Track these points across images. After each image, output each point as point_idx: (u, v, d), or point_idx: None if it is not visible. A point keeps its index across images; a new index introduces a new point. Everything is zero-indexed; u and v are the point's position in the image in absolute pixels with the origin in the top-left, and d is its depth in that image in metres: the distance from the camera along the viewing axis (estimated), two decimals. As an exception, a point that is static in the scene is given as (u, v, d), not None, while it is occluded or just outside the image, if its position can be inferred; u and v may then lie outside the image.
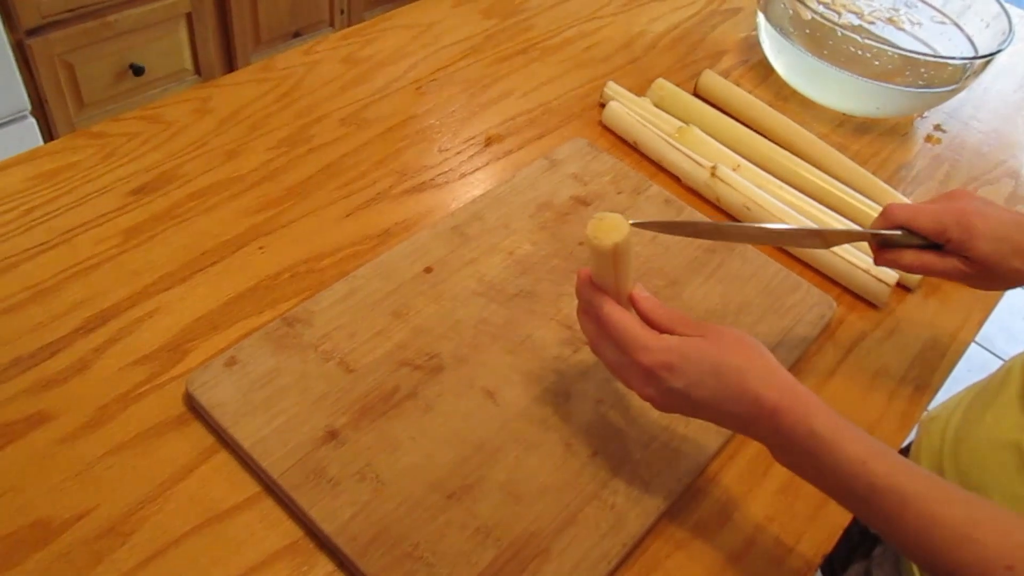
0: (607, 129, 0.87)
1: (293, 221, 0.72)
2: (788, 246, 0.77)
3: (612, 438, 0.59)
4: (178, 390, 0.58)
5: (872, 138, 0.93)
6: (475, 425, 0.58)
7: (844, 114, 0.95)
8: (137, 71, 1.74)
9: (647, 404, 0.52)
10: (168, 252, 0.67)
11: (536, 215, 0.74)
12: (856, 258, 0.73)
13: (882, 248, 0.60)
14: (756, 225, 0.62)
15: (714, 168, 0.79)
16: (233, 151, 0.76)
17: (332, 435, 0.56)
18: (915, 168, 0.90)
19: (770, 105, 0.90)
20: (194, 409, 0.57)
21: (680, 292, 0.70)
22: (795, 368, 0.67)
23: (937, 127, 0.96)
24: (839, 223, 0.78)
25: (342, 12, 2.03)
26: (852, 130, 0.94)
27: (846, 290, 0.75)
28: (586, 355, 0.64)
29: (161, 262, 0.66)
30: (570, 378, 0.62)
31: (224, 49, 1.90)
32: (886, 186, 0.82)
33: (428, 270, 0.67)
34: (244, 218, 0.71)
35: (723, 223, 0.67)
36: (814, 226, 0.75)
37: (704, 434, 0.60)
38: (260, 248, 0.69)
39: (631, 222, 0.50)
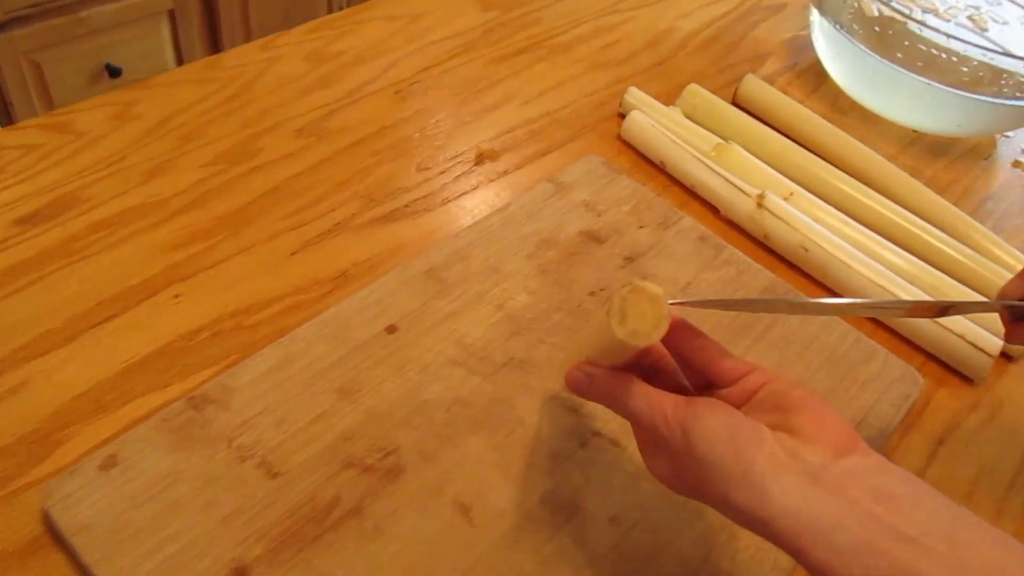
0: (627, 145, 0.71)
1: (223, 260, 0.56)
2: (881, 317, 0.60)
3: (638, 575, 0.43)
4: (36, 502, 0.42)
5: (948, 162, 0.77)
6: (441, 557, 0.42)
7: (915, 132, 0.78)
8: (113, 72, 1.59)
9: (681, 521, 0.37)
10: (54, 302, 0.51)
11: (536, 255, 0.58)
12: (947, 319, 0.57)
13: (1019, 321, 0.44)
14: (843, 301, 0.45)
15: (761, 196, 0.63)
16: (156, 169, 0.61)
17: (240, 574, 0.40)
18: (1004, 200, 0.73)
19: (824, 119, 0.74)
20: (54, 532, 0.41)
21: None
22: (873, 467, 0.51)
23: (1027, 149, 0.79)
24: (923, 273, 0.61)
25: (341, 8, 1.89)
26: (924, 151, 0.77)
27: (931, 357, 0.59)
28: (599, 451, 0.47)
29: (42, 315, 0.50)
30: (577, 484, 0.46)
31: (211, 49, 1.75)
32: (979, 225, 0.66)
33: (391, 329, 0.51)
34: (159, 256, 0.55)
35: (800, 300, 0.51)
36: (920, 295, 0.59)
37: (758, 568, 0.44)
38: (176, 296, 0.53)
39: (671, 302, 0.34)
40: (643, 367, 0.42)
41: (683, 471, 0.35)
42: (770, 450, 0.33)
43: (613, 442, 0.48)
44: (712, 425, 0.34)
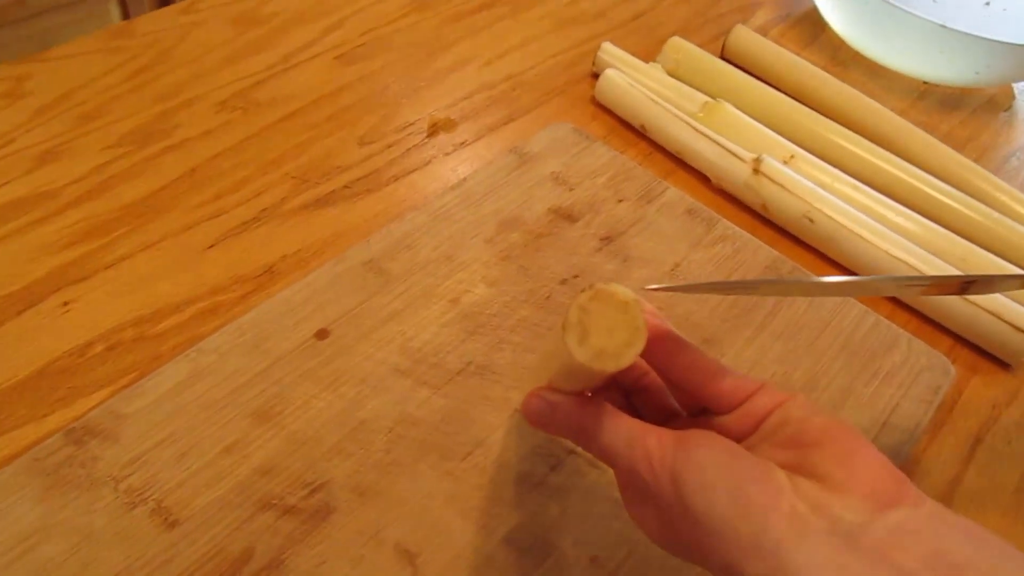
0: (603, 109, 0.62)
1: (124, 258, 0.47)
2: (898, 295, 0.52)
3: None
4: None
5: (964, 116, 0.68)
6: (380, 620, 0.34)
7: (926, 84, 0.70)
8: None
9: (678, 560, 0.29)
10: (-88, 315, 0.43)
11: (497, 239, 0.49)
12: (977, 296, 0.49)
13: None
14: (854, 279, 0.36)
15: (758, 161, 0.54)
16: (48, 153, 0.52)
17: (121, 657, 0.32)
18: (1030, 155, 0.65)
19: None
20: None
21: (718, 356, 0.45)
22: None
23: (1052, 98, 0.71)
24: (946, 241, 0.53)
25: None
26: (936, 106, 0.69)
27: (960, 340, 0.50)
28: (576, 474, 0.39)
29: (-103, 332, 0.42)
30: (550, 518, 0.37)
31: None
32: (1005, 184, 0.58)
33: (322, 334, 0.43)
34: (46, 256, 0.46)
35: (803, 280, 0.42)
36: (944, 267, 0.50)
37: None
38: (64, 304, 0.44)
39: (650, 288, 0.26)
40: (622, 386, 0.33)
41: (675, 528, 0.27)
42: (789, 505, 0.24)
43: (593, 463, 0.40)
44: (710, 471, 0.25)
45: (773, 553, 0.23)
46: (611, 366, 0.25)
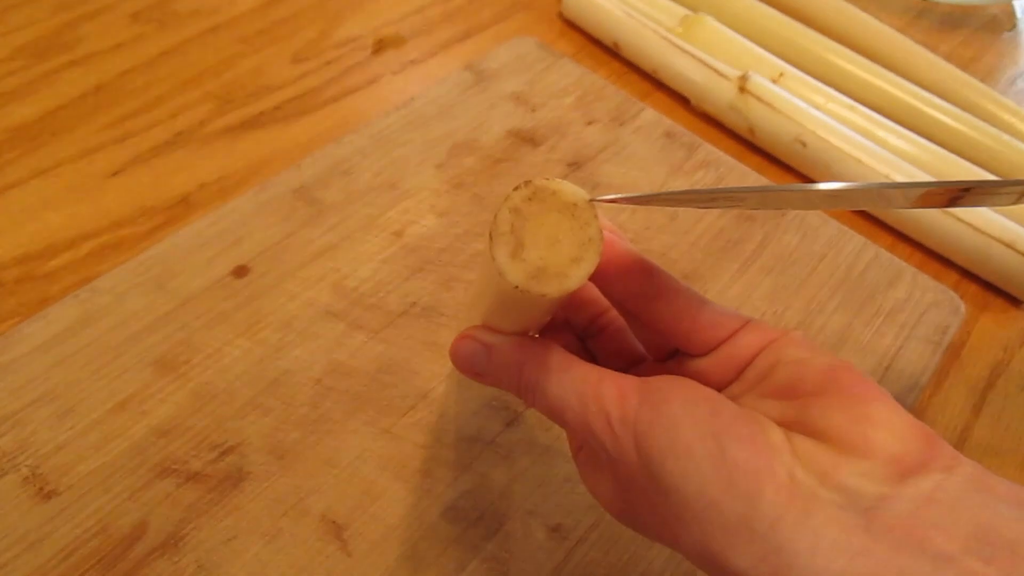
0: (570, 25, 0.56)
1: (12, 186, 0.40)
2: (883, 209, 0.46)
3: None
4: None
5: (966, 36, 0.62)
6: (299, 605, 0.28)
7: (924, 0, 0.64)
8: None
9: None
10: None
11: (448, 164, 0.43)
12: (987, 222, 0.43)
13: None
14: (834, 186, 0.30)
15: (744, 79, 0.48)
16: (-76, 66, 0.45)
17: (-25, 658, 0.26)
18: (1037, 76, 0.59)
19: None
20: None
21: (701, 292, 0.39)
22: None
23: (1060, 17, 0.65)
24: (950, 165, 0.48)
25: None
26: (936, 25, 0.63)
27: (967, 275, 0.45)
28: (534, 430, 0.34)
29: None
30: (502, 483, 0.32)
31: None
32: (1013, 103, 0.52)
33: (240, 272, 0.37)
34: (-85, 183, 0.39)
35: (772, 187, 0.36)
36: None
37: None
38: (-66, 238, 0.38)
39: (600, 198, 0.20)
40: (575, 327, 0.27)
41: (639, 503, 0.21)
42: (786, 471, 0.19)
43: (554, 415, 0.34)
44: (685, 429, 0.19)
45: (767, 535, 0.18)
46: (554, 289, 0.19)
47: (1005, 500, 0.18)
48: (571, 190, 0.19)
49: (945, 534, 0.18)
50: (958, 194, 0.27)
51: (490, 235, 0.19)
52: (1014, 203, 0.28)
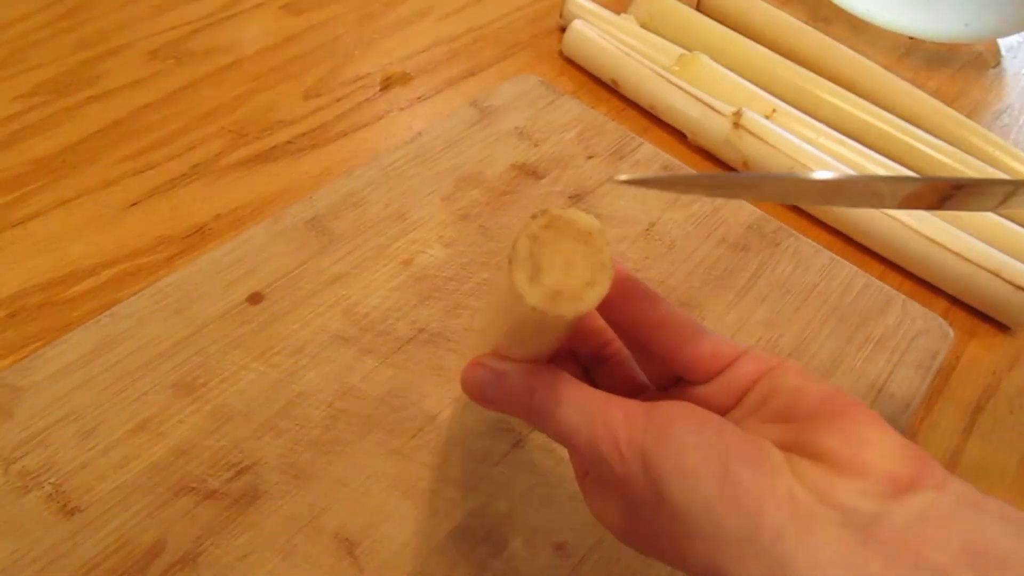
0: (571, 63, 0.58)
1: (34, 216, 0.42)
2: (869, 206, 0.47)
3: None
4: None
5: (952, 72, 0.65)
6: (313, 619, 0.29)
7: (911, 39, 0.66)
8: None
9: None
10: None
11: (454, 196, 0.45)
12: (974, 251, 0.45)
13: None
14: (828, 176, 0.31)
15: (738, 115, 0.50)
16: (-49, 102, 0.46)
17: (2, 669, 0.27)
18: (1023, 112, 0.61)
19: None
20: None
21: (699, 319, 0.41)
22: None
23: (1043, 54, 0.68)
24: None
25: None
26: (923, 62, 0.65)
27: (956, 302, 0.47)
28: (539, 452, 0.35)
29: None
30: (509, 502, 0.33)
31: None
32: (999, 139, 0.54)
33: (255, 299, 0.38)
34: (-58, 214, 0.41)
35: (772, 175, 0.36)
36: (938, 222, 0.46)
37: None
38: (-40, 266, 0.39)
39: (618, 179, 0.22)
40: (581, 358, 0.28)
41: (645, 523, 0.22)
42: (786, 490, 0.20)
43: (558, 437, 0.35)
44: (691, 450, 0.21)
45: (770, 551, 0.19)
46: (570, 311, 0.20)
47: (993, 516, 0.20)
48: (585, 219, 0.21)
49: (937, 548, 0.19)
50: (948, 192, 0.29)
51: (509, 260, 0.20)
52: (999, 204, 0.29)
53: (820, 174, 0.23)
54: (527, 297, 0.20)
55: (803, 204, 0.49)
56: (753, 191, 0.29)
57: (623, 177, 0.22)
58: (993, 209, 0.29)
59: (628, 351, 0.27)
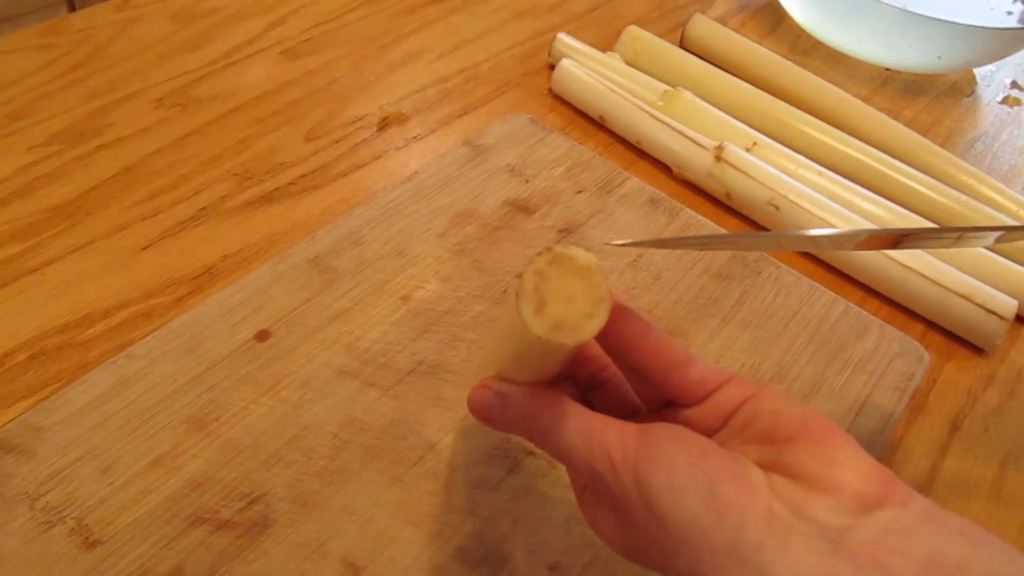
0: (560, 100, 0.60)
1: (51, 261, 0.44)
2: (834, 251, 0.50)
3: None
4: None
5: (927, 102, 0.67)
6: (323, 641, 0.31)
7: (887, 70, 0.69)
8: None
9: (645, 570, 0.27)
10: None
11: (450, 233, 0.47)
12: (948, 277, 0.47)
13: None
14: (787, 234, 0.33)
15: (720, 149, 0.52)
16: (-30, 153, 0.49)
17: None
18: (995, 140, 0.64)
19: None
20: None
21: (685, 346, 0.43)
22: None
23: (1015, 84, 0.70)
24: (916, 223, 0.52)
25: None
26: (899, 92, 0.67)
27: (932, 326, 0.49)
28: (534, 476, 0.37)
29: None
30: (506, 524, 0.35)
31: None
32: (973, 168, 0.56)
33: (262, 336, 0.40)
34: (-36, 261, 0.43)
35: (752, 234, 0.39)
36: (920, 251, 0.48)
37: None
38: (-18, 311, 0.41)
39: (612, 243, 0.24)
40: (578, 382, 0.31)
41: (638, 535, 0.24)
42: (765, 506, 0.22)
43: (554, 463, 0.37)
44: (678, 468, 0.23)
45: (751, 560, 0.21)
46: (571, 340, 0.22)
47: (952, 531, 0.22)
48: (585, 256, 0.23)
49: (901, 558, 0.21)
50: (898, 238, 0.31)
51: (516, 294, 0.22)
52: (953, 245, 0.32)
53: (788, 234, 0.26)
54: (533, 327, 0.22)
55: (780, 250, 0.51)
56: (734, 247, 0.32)
57: (618, 242, 0.24)
58: (948, 247, 0.31)
59: (622, 375, 0.30)
